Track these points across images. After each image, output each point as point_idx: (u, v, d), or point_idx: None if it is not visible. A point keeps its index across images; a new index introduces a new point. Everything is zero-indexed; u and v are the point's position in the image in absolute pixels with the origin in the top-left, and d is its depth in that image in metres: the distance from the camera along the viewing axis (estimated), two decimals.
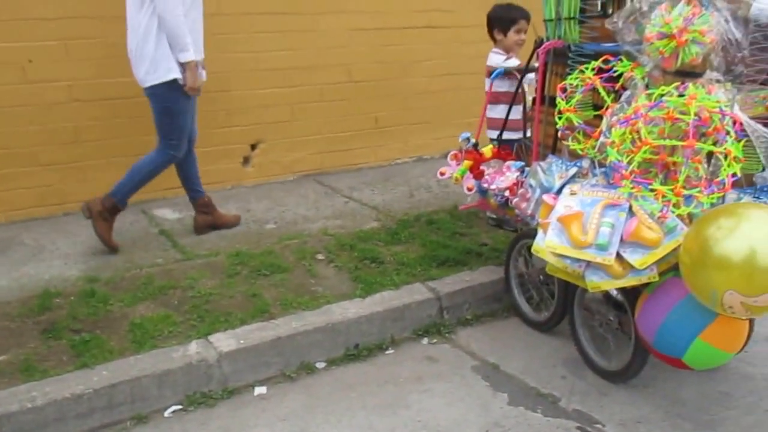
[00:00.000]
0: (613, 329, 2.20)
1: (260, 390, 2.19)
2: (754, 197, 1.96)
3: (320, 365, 2.33)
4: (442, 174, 2.74)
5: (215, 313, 2.41)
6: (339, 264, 2.83)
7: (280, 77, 3.91)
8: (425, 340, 2.50)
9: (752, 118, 1.92)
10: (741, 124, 1.84)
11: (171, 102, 2.83)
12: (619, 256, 1.88)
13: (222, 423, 2.03)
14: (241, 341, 2.24)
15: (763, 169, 1.97)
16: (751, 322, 2.07)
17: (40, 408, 1.92)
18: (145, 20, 2.74)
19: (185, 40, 2.74)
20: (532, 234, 2.15)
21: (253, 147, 3.94)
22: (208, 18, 3.64)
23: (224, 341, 2.24)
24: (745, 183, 1.99)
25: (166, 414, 2.07)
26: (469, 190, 2.65)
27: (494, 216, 2.99)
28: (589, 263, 1.91)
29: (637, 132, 1.86)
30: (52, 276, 2.73)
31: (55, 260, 2.89)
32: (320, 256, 2.90)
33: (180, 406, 2.10)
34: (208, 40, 3.66)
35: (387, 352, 2.42)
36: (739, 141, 1.82)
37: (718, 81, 1.93)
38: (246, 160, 3.94)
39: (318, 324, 2.35)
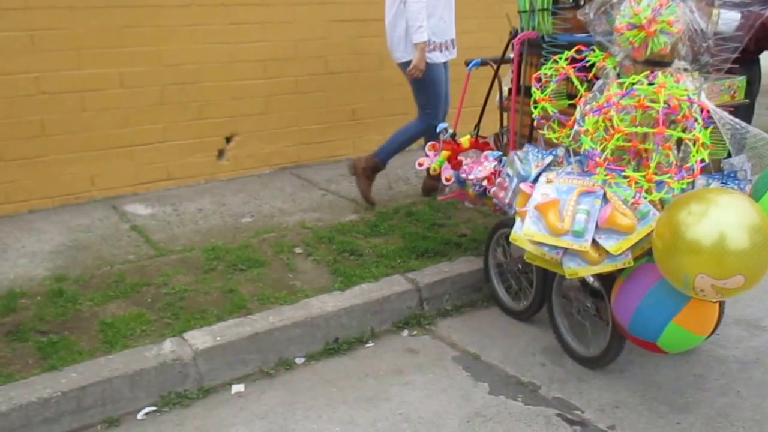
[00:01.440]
0: (591, 316, 2.23)
1: (238, 388, 2.15)
2: (722, 183, 2.00)
3: (299, 360, 2.30)
4: (420, 165, 2.74)
5: (190, 310, 2.36)
6: (317, 257, 2.80)
7: (256, 69, 3.84)
8: (405, 332, 2.50)
9: (718, 105, 1.96)
10: (708, 111, 1.88)
11: (422, 76, 3.16)
12: (594, 242, 1.90)
13: (198, 423, 1.99)
14: (218, 338, 2.20)
15: (729, 155, 2.02)
16: (722, 305, 2.12)
17: (5, 414, 1.84)
18: (397, 1, 3.11)
19: (419, 23, 3.09)
20: (510, 223, 2.15)
21: (228, 140, 3.87)
22: (182, 9, 3.56)
23: (200, 339, 2.19)
24: (713, 169, 2.03)
25: (140, 416, 2.02)
26: (448, 180, 2.65)
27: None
28: (566, 250, 1.93)
29: (610, 120, 1.88)
30: (17, 275, 2.63)
31: (20, 259, 2.79)
32: (298, 250, 2.86)
33: (154, 408, 2.05)
34: (181, 32, 3.58)
35: (367, 345, 2.41)
36: (706, 128, 1.86)
37: (685, 70, 1.97)
38: (221, 153, 3.87)
39: (296, 318, 2.33)
